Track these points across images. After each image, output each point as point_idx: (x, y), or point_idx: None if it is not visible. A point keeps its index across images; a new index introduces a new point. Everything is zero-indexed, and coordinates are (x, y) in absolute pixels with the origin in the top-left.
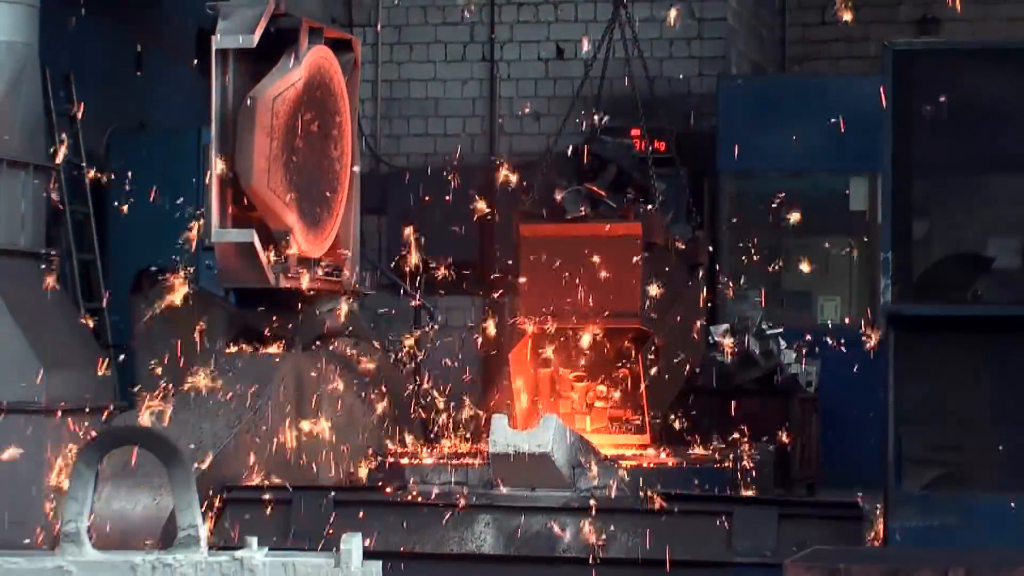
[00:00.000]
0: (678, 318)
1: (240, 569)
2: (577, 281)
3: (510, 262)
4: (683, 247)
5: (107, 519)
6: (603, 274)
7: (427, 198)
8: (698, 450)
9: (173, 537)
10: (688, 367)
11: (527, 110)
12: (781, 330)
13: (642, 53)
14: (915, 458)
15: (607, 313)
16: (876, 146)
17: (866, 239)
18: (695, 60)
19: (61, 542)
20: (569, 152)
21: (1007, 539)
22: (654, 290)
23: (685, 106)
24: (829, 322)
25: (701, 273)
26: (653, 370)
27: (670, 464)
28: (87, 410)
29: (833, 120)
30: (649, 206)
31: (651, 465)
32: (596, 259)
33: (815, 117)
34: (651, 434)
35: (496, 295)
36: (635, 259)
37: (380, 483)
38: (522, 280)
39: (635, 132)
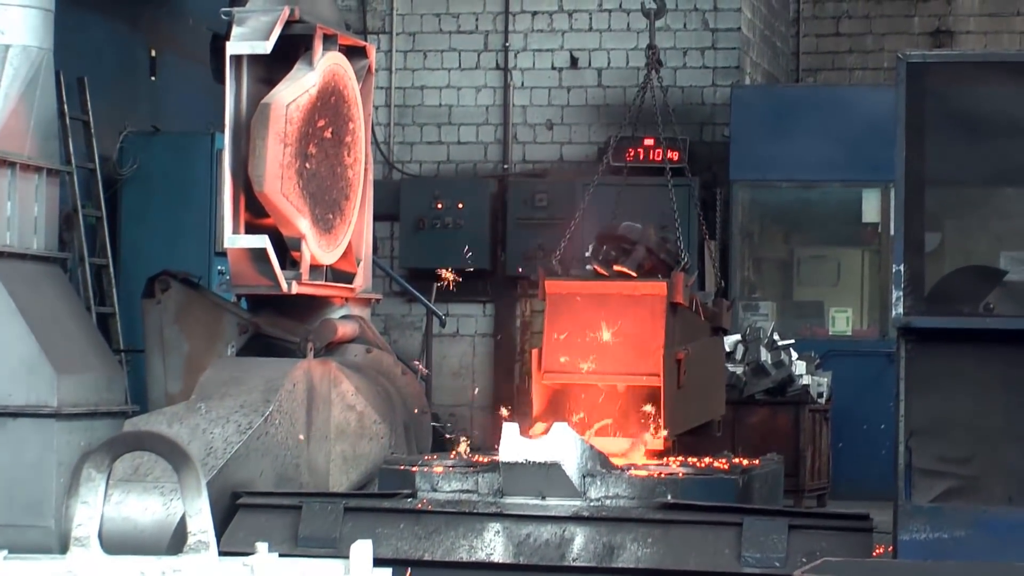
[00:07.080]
0: (702, 368)
1: (250, 575)
2: (600, 338)
3: (520, 269)
4: (709, 311)
5: (117, 524)
6: (626, 332)
7: (439, 205)
8: (708, 460)
9: (183, 542)
10: (712, 419)
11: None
12: (792, 341)
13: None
14: (925, 470)
15: (628, 371)
16: (889, 157)
17: (878, 250)
18: (709, 70)
19: (71, 546)
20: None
21: (1017, 552)
22: (676, 347)
23: (698, 116)
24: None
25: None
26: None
27: (680, 474)
28: (98, 414)
29: (847, 130)
30: (675, 268)
31: (661, 475)
32: (620, 317)
33: (828, 128)
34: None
35: (506, 301)
36: (659, 319)
37: (390, 491)
38: (547, 335)
39: (649, 141)
